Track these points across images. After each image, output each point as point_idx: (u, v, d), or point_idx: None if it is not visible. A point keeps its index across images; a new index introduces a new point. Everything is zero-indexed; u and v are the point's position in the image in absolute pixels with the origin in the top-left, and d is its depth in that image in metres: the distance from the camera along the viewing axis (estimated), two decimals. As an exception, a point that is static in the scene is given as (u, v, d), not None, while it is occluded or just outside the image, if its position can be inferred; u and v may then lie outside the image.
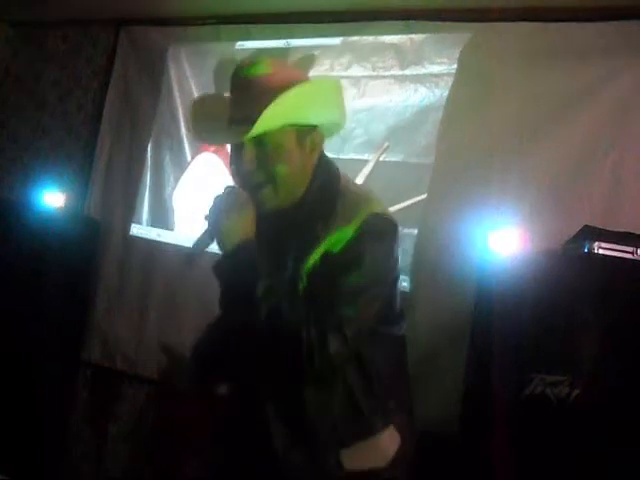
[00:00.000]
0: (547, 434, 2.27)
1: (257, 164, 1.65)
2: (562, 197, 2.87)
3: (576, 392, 2.25)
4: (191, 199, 3.73)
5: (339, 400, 1.70)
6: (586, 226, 2.55)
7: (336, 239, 1.62)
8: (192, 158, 3.78)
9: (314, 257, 1.63)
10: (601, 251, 2.34)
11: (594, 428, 2.20)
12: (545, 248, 2.60)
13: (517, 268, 2.51)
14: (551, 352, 2.33)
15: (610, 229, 2.51)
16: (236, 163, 1.70)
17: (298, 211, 1.70)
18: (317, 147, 1.72)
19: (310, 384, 1.68)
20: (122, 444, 3.68)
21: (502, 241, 2.68)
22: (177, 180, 3.80)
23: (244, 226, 1.64)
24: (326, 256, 1.63)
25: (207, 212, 1.67)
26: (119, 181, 3.99)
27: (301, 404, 1.70)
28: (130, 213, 3.88)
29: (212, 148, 3.72)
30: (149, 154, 3.90)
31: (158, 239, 3.78)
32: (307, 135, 1.69)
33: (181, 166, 3.81)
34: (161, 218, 3.81)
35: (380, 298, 1.67)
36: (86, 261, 3.77)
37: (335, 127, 1.83)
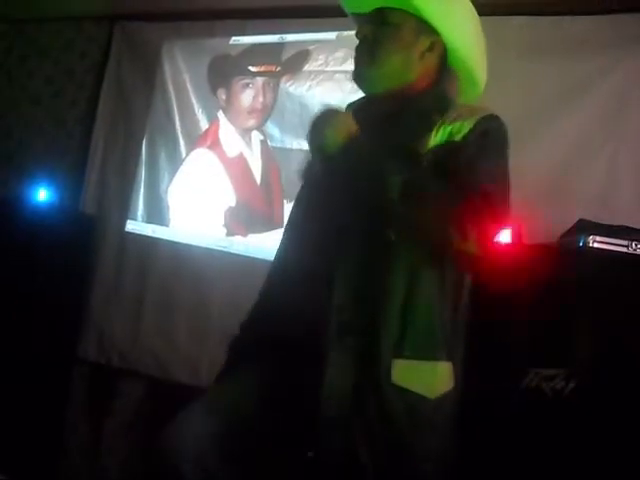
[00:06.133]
0: (542, 428, 2.27)
1: (371, 40, 1.78)
2: (557, 191, 2.87)
3: (571, 386, 2.26)
4: (186, 195, 3.73)
5: (419, 302, 1.52)
6: (581, 220, 2.55)
7: (456, 129, 1.55)
8: (187, 154, 3.78)
9: (435, 140, 1.56)
10: (596, 245, 2.33)
11: (589, 422, 2.21)
12: (540, 242, 2.60)
13: (512, 262, 2.51)
14: (546, 346, 2.33)
15: (605, 223, 2.51)
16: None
17: (412, 101, 1.67)
18: (434, 52, 1.68)
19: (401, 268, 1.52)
20: (119, 441, 3.68)
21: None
22: (172, 176, 3.79)
23: (343, 127, 1.59)
24: (449, 142, 1.55)
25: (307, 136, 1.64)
26: (114, 177, 3.97)
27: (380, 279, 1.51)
28: (125, 209, 3.87)
29: (207, 144, 3.72)
30: (144, 150, 3.89)
31: (153, 235, 3.77)
32: (425, 33, 1.67)
33: (176, 162, 3.80)
34: (156, 214, 3.79)
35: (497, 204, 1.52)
36: (81, 258, 3.75)
37: (465, 67, 1.71)
